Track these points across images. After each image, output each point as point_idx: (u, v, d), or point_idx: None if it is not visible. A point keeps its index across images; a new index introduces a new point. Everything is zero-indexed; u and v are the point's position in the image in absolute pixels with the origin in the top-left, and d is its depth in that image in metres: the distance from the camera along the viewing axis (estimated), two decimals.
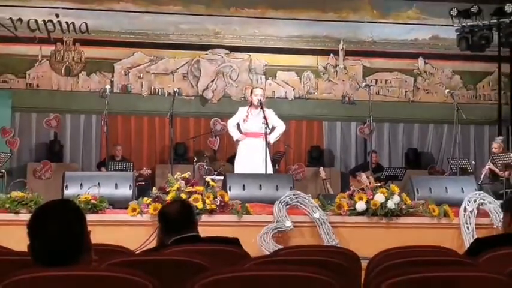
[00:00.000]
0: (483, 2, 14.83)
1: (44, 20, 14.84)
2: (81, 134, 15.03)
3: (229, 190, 8.53)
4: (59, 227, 3.04)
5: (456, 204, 8.37)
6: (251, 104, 10.77)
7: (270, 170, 10.61)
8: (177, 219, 4.58)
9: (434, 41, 15.91)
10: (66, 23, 14.96)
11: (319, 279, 2.88)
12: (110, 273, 2.87)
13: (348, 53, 15.67)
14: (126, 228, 7.63)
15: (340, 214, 8.12)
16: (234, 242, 4.59)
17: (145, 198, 8.05)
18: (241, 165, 10.64)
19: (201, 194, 7.88)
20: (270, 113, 10.75)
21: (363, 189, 8.38)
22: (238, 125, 10.82)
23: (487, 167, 12.41)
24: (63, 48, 14.97)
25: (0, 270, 3.03)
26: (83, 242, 3.11)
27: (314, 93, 15.62)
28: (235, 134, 10.82)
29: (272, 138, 10.77)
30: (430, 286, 2.75)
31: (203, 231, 4.69)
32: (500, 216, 7.69)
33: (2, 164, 12.31)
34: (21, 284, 2.71)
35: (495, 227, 7.87)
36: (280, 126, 10.87)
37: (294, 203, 8.09)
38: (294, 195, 8.19)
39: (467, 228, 8.06)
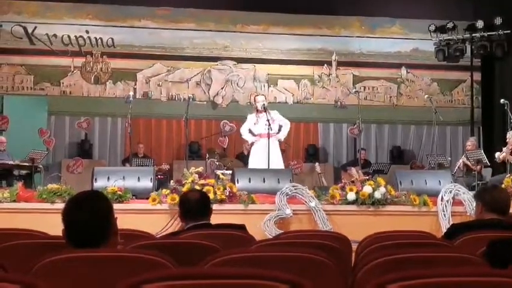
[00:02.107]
0: (457, 19, 14.86)
1: (75, 36, 14.86)
2: (108, 134, 15.04)
3: (237, 182, 8.52)
4: (90, 213, 3.05)
5: (434, 194, 8.34)
6: (257, 110, 10.87)
7: (280, 164, 10.83)
8: (195, 207, 4.57)
9: (415, 53, 15.87)
10: (95, 38, 14.97)
11: (315, 259, 2.87)
12: (134, 254, 2.87)
13: (340, 64, 15.64)
14: (147, 215, 7.62)
15: (333, 203, 8.11)
16: (241, 227, 4.59)
17: (164, 190, 8.04)
18: (255, 163, 10.71)
19: (213, 186, 7.88)
20: (275, 114, 10.88)
21: (353, 181, 8.36)
22: (249, 130, 10.94)
23: (461, 160, 12.39)
24: (93, 60, 14.98)
25: (37, 251, 3.02)
26: (111, 227, 3.12)
27: (310, 98, 15.60)
28: (249, 138, 10.97)
29: (281, 136, 10.92)
30: (411, 265, 2.74)
31: (214, 218, 4.68)
32: (472, 205, 7.67)
33: (40, 161, 12.32)
34: (55, 263, 2.71)
35: (468, 214, 7.84)
36: (286, 125, 11.00)
37: (293, 194, 8.07)
38: (293, 187, 8.18)
39: (444, 215, 8.04)
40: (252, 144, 10.99)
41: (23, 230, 4.23)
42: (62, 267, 2.71)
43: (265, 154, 10.46)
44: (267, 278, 1.96)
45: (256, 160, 10.73)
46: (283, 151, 13.96)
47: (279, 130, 10.88)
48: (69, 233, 3.06)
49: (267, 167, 10.17)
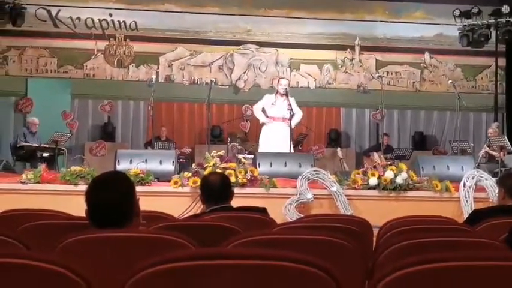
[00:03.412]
0: (482, 3, 14.74)
1: (99, 19, 14.92)
2: (131, 117, 15.12)
3: (259, 166, 8.54)
4: (112, 194, 3.06)
5: (456, 180, 8.30)
6: (277, 92, 10.80)
7: (287, 150, 10.74)
8: (216, 190, 4.57)
9: (439, 38, 15.77)
10: (118, 21, 15.02)
11: (336, 242, 2.87)
12: (156, 235, 2.88)
13: (363, 48, 15.58)
14: (169, 198, 7.66)
15: (354, 188, 8.10)
16: (262, 210, 4.59)
17: (185, 173, 8.07)
18: (265, 145, 10.67)
19: (234, 170, 7.90)
20: (292, 101, 10.75)
21: (375, 167, 8.35)
22: (263, 109, 10.85)
23: (483, 150, 12.35)
24: (116, 43, 15.04)
25: (60, 231, 3.05)
26: (133, 208, 3.13)
27: (333, 83, 15.57)
28: (261, 118, 10.84)
29: (292, 124, 10.75)
30: (432, 249, 2.74)
31: (235, 202, 4.69)
32: (495, 191, 7.63)
33: (63, 143, 12.42)
34: (79, 243, 2.73)
35: (491, 200, 7.79)
36: (298, 114, 10.80)
37: (315, 178, 8.07)
38: (314, 171, 8.18)
39: (466, 201, 8.01)
40: (263, 124, 10.88)
41: (46, 211, 4.27)
42: (85, 246, 2.73)
43: (276, 138, 10.46)
44: (288, 260, 1.97)
45: (266, 142, 10.65)
46: (304, 136, 14.01)
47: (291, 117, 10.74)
48: (92, 214, 3.07)
49: (276, 151, 10.14)
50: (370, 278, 2.18)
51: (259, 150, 10.64)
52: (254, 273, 1.95)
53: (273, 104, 10.69)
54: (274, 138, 10.52)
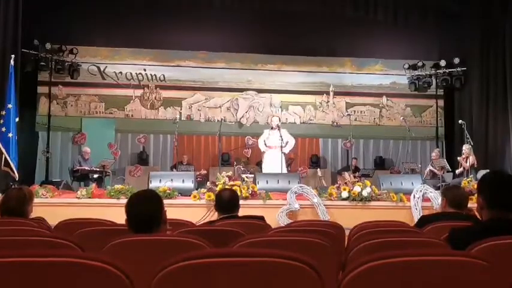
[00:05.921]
0: (425, 59, 14.91)
1: (136, 73, 14.97)
2: (160, 147, 15.09)
3: (258, 183, 8.54)
4: (146, 207, 3.05)
5: (408, 193, 8.31)
6: (272, 128, 11.01)
7: (285, 170, 10.77)
8: (226, 203, 4.56)
9: (393, 85, 15.79)
10: (151, 74, 15.06)
11: (317, 242, 2.86)
12: (179, 238, 2.86)
13: (336, 93, 15.59)
14: (189, 208, 7.65)
15: (331, 199, 8.10)
16: (261, 218, 4.58)
17: (202, 189, 8.07)
18: (266, 167, 10.81)
19: (239, 186, 7.90)
20: (285, 132, 10.98)
21: (346, 183, 8.34)
22: (264, 142, 11.08)
23: (428, 168, 12.40)
24: (149, 91, 15.06)
25: (106, 235, 3.03)
26: (161, 217, 3.12)
27: (313, 120, 15.56)
28: (262, 147, 11.19)
29: (286, 149, 10.95)
30: (390, 247, 2.72)
31: (240, 211, 4.68)
32: (438, 201, 7.64)
33: (109, 167, 12.41)
34: (120, 244, 2.72)
35: (434, 208, 7.80)
36: (291, 141, 11.10)
37: (301, 192, 8.07)
38: (300, 187, 8.18)
39: (416, 209, 7.99)
40: (264, 152, 11.14)
41: (96, 219, 4.26)
42: (125, 247, 2.71)
43: (275, 161, 10.55)
44: (281, 257, 1.95)
45: (268, 165, 10.85)
46: (291, 160, 14.00)
47: (286, 145, 10.99)
48: (130, 222, 3.07)
49: (275, 171, 10.23)
50: (343, 270, 2.16)
51: (263, 171, 10.75)
52: (255, 267, 1.94)
53: (267, 137, 10.93)
54: (272, 161, 10.64)
